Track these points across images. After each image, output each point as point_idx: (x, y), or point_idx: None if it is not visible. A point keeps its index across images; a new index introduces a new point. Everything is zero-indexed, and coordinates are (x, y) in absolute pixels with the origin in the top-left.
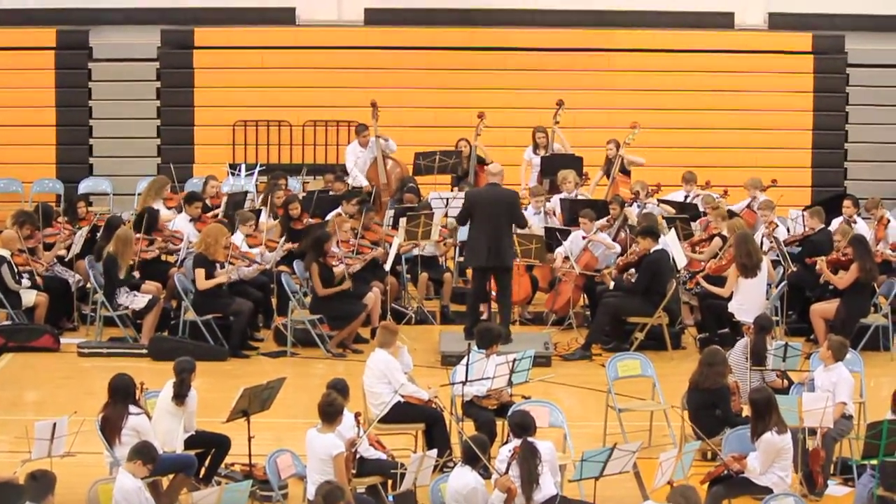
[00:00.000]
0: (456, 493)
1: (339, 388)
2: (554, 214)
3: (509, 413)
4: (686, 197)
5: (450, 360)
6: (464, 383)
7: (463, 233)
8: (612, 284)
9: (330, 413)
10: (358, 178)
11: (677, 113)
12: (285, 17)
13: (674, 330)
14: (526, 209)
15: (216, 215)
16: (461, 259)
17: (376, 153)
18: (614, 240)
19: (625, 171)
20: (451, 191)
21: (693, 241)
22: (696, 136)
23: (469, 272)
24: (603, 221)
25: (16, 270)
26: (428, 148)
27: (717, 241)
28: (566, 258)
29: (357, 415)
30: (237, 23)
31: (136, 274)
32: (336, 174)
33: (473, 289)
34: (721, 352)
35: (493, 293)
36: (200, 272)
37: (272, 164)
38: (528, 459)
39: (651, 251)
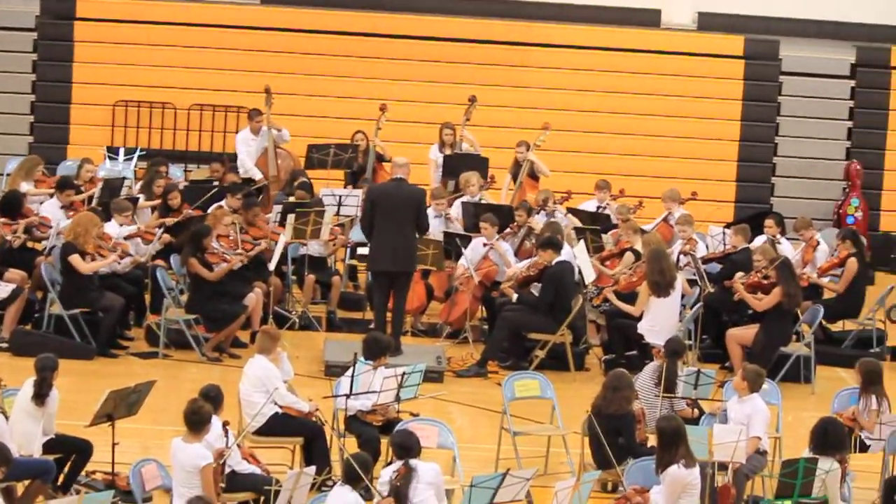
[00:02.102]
0: None
1: (211, 396)
2: (454, 220)
3: (393, 432)
4: (598, 207)
5: (334, 371)
6: (348, 396)
7: (356, 233)
8: (514, 297)
9: (195, 421)
10: (251, 171)
11: (593, 115)
12: None
13: (577, 349)
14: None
15: (90, 200)
16: (352, 261)
17: (267, 143)
18: (518, 250)
19: (534, 176)
20: (345, 188)
21: (603, 256)
22: (612, 141)
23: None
24: (511, 234)
25: None
26: (323, 140)
27: (628, 256)
28: (466, 267)
29: (225, 423)
30: None
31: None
32: (224, 163)
33: (377, 296)
34: (627, 375)
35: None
36: (76, 258)
37: (153, 150)
38: (404, 484)
39: (552, 263)
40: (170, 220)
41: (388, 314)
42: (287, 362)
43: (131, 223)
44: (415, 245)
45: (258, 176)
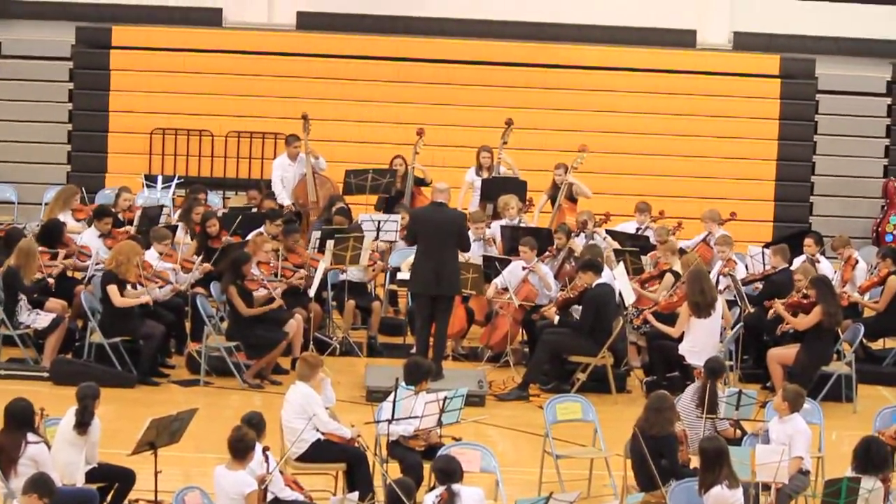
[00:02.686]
0: None
1: (254, 423)
2: (494, 242)
3: (435, 457)
4: (638, 228)
5: (376, 396)
6: (390, 421)
7: (396, 258)
8: (556, 319)
9: (240, 449)
10: (281, 196)
11: (630, 137)
12: (212, 17)
13: (619, 371)
14: None
15: (128, 231)
16: (392, 286)
17: (306, 169)
18: (558, 272)
19: (572, 199)
20: (377, 212)
21: (643, 278)
22: (650, 163)
23: (397, 299)
24: (550, 257)
25: None
26: (361, 165)
27: (668, 278)
28: (504, 289)
29: (265, 449)
30: (159, 22)
31: (50, 287)
32: (262, 190)
33: (418, 321)
34: (669, 397)
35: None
36: (113, 289)
37: (191, 177)
38: None
39: (593, 285)
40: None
41: (430, 339)
42: (329, 388)
43: (171, 251)
44: (457, 268)
45: (287, 202)
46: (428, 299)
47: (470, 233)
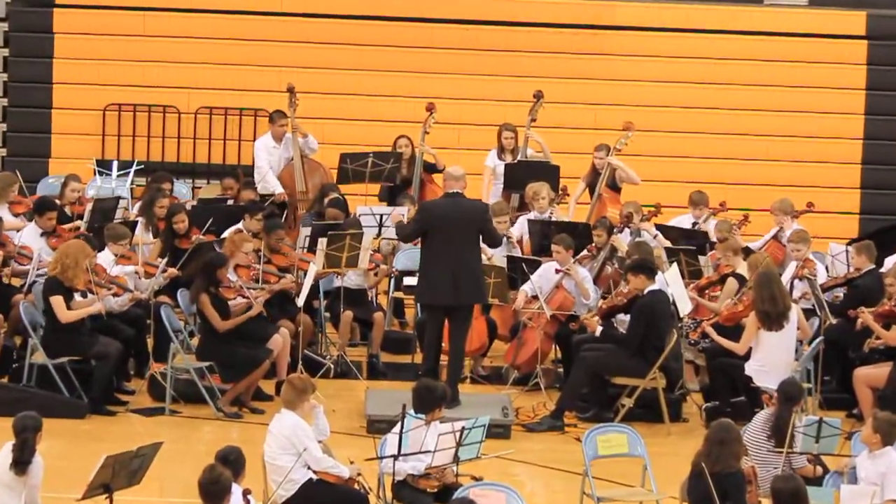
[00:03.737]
0: None
1: (231, 460)
2: (520, 241)
3: (451, 500)
4: (694, 223)
5: (378, 427)
6: (396, 457)
7: (402, 259)
8: (598, 331)
9: (214, 492)
10: (270, 183)
11: (686, 112)
12: None
13: (673, 396)
14: None
15: (77, 228)
16: (398, 294)
17: (292, 152)
18: (598, 276)
19: (614, 187)
20: (379, 204)
21: (700, 284)
22: (709, 143)
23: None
24: (588, 257)
25: None
26: (359, 148)
27: (731, 282)
28: (534, 297)
29: (246, 492)
30: None
31: None
32: (239, 177)
33: (430, 334)
34: (734, 427)
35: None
36: (58, 300)
37: (153, 163)
38: None
39: (644, 292)
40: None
41: (442, 356)
42: (322, 418)
43: (129, 253)
44: (481, 272)
45: (279, 191)
46: (442, 311)
47: None
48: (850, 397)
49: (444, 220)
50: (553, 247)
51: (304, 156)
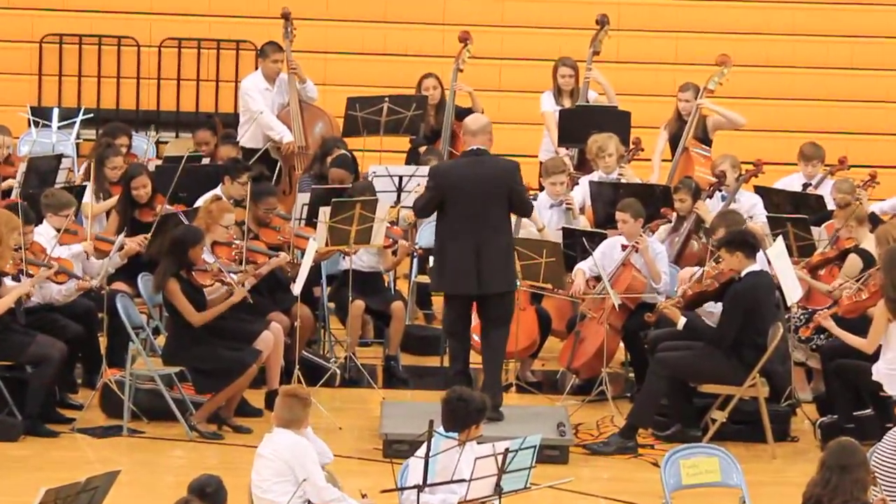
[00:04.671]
0: None
1: (207, 493)
2: (580, 208)
3: None
4: (806, 185)
5: (398, 449)
6: (421, 488)
7: (427, 235)
8: (682, 324)
9: None
10: (274, 125)
11: (794, 43)
12: None
13: (778, 408)
14: (534, 199)
15: (7, 193)
16: (423, 278)
17: (288, 97)
18: (680, 253)
19: (704, 139)
20: (408, 164)
21: (813, 262)
22: (824, 83)
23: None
24: (663, 223)
25: None
26: (371, 91)
27: (854, 261)
28: (596, 279)
29: None
30: None
31: None
32: (216, 128)
33: (459, 325)
34: (859, 449)
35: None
36: None
37: (105, 111)
38: None
39: (742, 275)
40: (129, 246)
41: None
42: (318, 440)
43: (75, 226)
44: (510, 251)
45: (287, 137)
46: (467, 300)
47: (543, 194)
48: None
49: (462, 187)
50: (618, 215)
51: (302, 102)
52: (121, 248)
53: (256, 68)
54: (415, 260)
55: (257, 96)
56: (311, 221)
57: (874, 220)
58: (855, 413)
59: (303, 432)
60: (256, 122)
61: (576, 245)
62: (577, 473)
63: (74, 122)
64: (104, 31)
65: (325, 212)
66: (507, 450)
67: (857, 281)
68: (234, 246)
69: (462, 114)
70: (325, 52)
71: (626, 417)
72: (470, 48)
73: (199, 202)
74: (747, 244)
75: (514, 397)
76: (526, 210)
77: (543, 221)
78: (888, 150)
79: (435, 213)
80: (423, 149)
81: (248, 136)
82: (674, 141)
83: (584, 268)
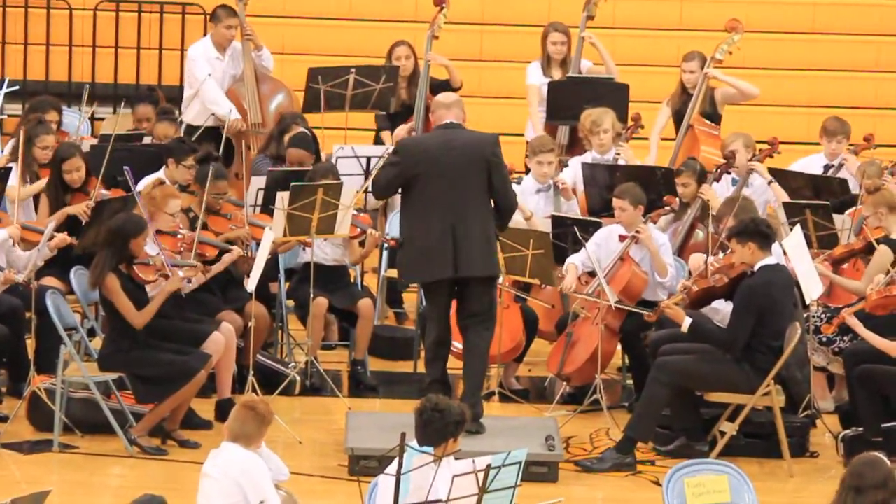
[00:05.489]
0: None
1: None
2: (572, 192)
3: None
4: (828, 166)
5: (366, 466)
6: None
7: (398, 222)
8: (686, 325)
9: None
10: (220, 103)
11: (815, 6)
12: None
13: (796, 420)
14: (518, 182)
15: None
16: (392, 272)
17: (242, 67)
18: (683, 244)
19: (711, 115)
20: (377, 143)
21: (836, 255)
22: (849, 51)
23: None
24: (665, 213)
25: None
26: (335, 61)
27: (883, 253)
28: (590, 274)
29: None
30: None
31: None
32: (157, 102)
33: (430, 323)
34: (882, 467)
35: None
36: None
37: (33, 82)
38: None
39: (755, 269)
40: (71, 209)
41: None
42: (273, 455)
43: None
44: (490, 234)
45: (234, 116)
46: (445, 292)
47: (528, 177)
48: None
49: (433, 162)
50: (615, 202)
51: (258, 74)
52: (50, 238)
53: (205, 34)
54: (385, 252)
55: (205, 66)
56: (268, 208)
57: None
58: (883, 425)
59: (254, 449)
60: (199, 93)
61: (566, 235)
62: (567, 493)
63: None
64: None
65: (282, 197)
66: (488, 466)
67: (887, 274)
68: (180, 236)
69: (438, 87)
70: (284, 16)
71: (623, 430)
72: (446, 12)
73: (141, 187)
74: (761, 234)
75: (497, 407)
76: (507, 197)
77: (530, 208)
78: None
79: (389, 195)
80: (384, 133)
81: (195, 113)
82: (678, 118)
83: (576, 262)
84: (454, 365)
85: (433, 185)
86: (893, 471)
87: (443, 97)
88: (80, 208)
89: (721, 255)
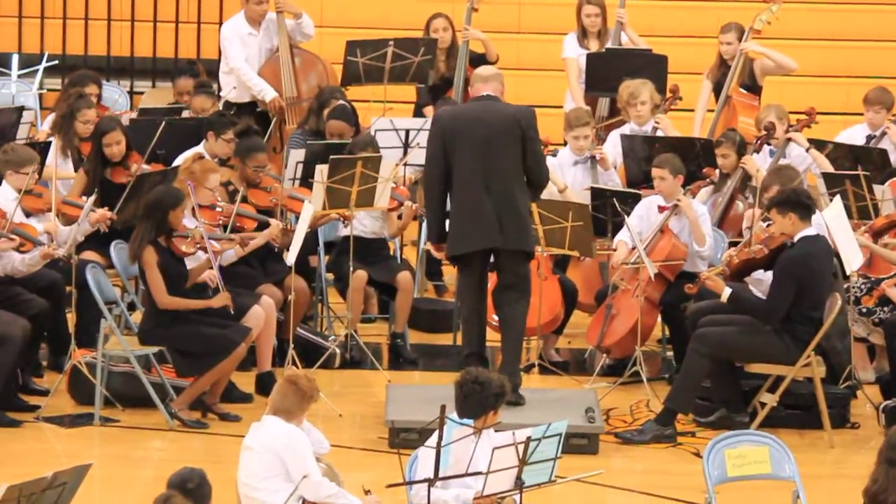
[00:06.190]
0: None
1: (189, 489)
2: (611, 165)
3: None
4: (870, 136)
5: (406, 439)
6: (431, 482)
7: None
8: (727, 295)
9: None
10: (255, 85)
11: None
12: None
13: (837, 391)
14: (555, 154)
15: None
16: (430, 246)
17: (277, 41)
18: (724, 216)
19: (752, 87)
20: (417, 115)
21: (877, 226)
22: (890, 21)
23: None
24: (706, 185)
25: None
26: (374, 34)
27: None
28: (631, 248)
29: None
30: None
31: None
32: (197, 76)
33: (467, 296)
34: None
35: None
36: None
37: (72, 57)
38: None
39: (795, 239)
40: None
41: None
42: (313, 428)
43: (38, 188)
44: (525, 204)
45: (271, 96)
46: (479, 265)
47: (565, 150)
48: None
49: (469, 134)
50: (654, 171)
51: (295, 46)
52: (90, 213)
53: (239, 11)
54: (423, 225)
55: (238, 44)
56: (307, 182)
57: None
58: None
59: (296, 424)
60: (238, 81)
61: (605, 207)
62: (607, 465)
63: (37, 70)
64: None
65: (322, 171)
66: (528, 438)
67: None
68: (219, 210)
69: (476, 60)
70: None
71: (663, 402)
72: None
73: (180, 161)
74: (801, 205)
75: (537, 379)
76: (538, 166)
77: (566, 181)
78: None
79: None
80: (427, 108)
81: (234, 92)
82: (718, 90)
83: (625, 239)
84: (492, 337)
85: (468, 157)
86: None
87: (482, 70)
88: (95, 221)
89: (764, 224)
